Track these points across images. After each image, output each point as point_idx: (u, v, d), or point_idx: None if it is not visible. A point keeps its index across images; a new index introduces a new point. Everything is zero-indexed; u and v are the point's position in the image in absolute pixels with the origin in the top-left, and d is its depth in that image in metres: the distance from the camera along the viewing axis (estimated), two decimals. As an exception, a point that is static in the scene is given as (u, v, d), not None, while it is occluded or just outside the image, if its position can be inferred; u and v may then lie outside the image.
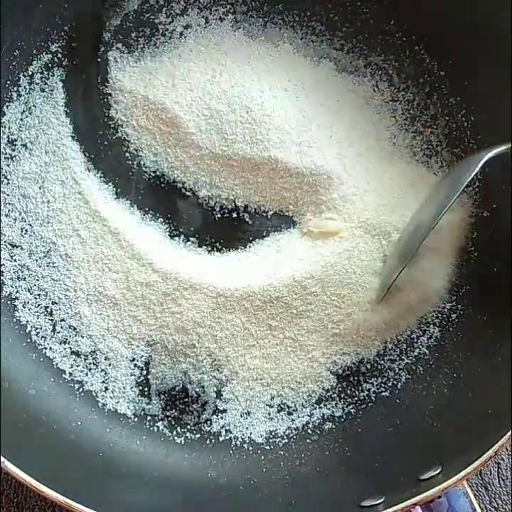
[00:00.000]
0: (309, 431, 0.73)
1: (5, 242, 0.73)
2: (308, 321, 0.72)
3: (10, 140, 0.74)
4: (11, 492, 0.75)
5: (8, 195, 0.74)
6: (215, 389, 0.72)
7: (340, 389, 0.73)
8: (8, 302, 0.73)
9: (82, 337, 0.73)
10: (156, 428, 0.72)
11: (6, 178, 0.74)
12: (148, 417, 0.72)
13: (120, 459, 0.70)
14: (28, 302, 0.73)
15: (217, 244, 0.75)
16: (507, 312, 0.71)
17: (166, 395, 0.72)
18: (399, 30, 0.78)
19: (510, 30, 0.70)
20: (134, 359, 0.73)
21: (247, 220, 0.75)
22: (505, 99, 0.72)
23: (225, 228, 0.75)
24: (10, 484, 0.75)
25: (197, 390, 0.72)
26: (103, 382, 0.72)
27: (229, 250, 0.74)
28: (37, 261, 0.73)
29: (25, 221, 0.74)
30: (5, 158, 0.74)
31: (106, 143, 0.75)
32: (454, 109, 0.77)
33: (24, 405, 0.69)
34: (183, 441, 0.72)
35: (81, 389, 0.72)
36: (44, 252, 0.74)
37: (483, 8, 0.72)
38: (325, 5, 0.78)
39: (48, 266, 0.73)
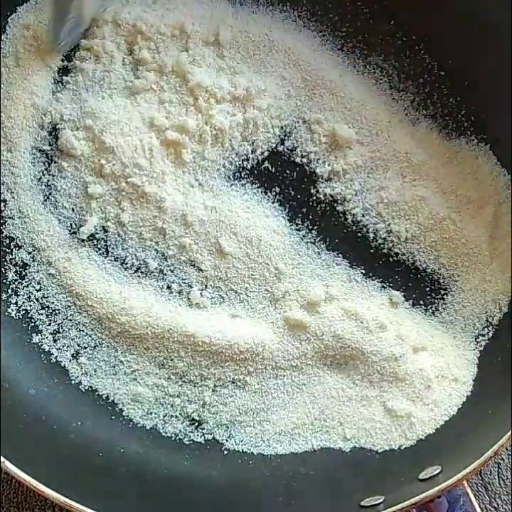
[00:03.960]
0: (309, 431, 0.73)
1: (5, 235, 0.74)
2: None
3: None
4: (11, 492, 0.74)
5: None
6: (214, 387, 0.72)
7: (341, 389, 0.74)
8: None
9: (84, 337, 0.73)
10: (156, 428, 0.72)
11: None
12: (149, 417, 0.72)
13: (120, 459, 0.70)
14: (29, 304, 0.73)
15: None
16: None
17: (166, 395, 0.72)
18: (399, 30, 0.77)
19: (510, 30, 0.70)
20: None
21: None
22: (505, 99, 0.72)
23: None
24: (10, 484, 0.74)
25: (196, 390, 0.72)
26: (103, 382, 0.73)
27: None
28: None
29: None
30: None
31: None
32: (454, 109, 0.77)
33: (24, 405, 0.69)
34: (183, 442, 0.72)
35: (81, 389, 0.72)
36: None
37: (483, 8, 0.72)
38: (325, 5, 0.78)
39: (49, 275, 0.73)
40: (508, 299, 0.73)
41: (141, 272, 0.74)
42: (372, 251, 0.75)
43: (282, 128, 0.76)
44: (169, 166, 0.74)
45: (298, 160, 0.76)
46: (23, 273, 0.73)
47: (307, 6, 0.78)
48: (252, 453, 0.71)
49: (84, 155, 0.74)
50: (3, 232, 0.74)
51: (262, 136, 0.75)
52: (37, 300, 0.73)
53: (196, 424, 0.72)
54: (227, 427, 0.71)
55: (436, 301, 0.74)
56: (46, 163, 0.75)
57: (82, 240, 0.74)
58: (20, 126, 0.74)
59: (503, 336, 0.71)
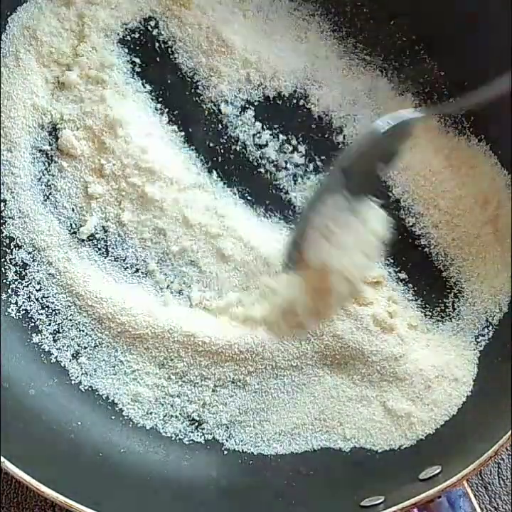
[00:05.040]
0: (309, 431, 0.73)
1: (5, 235, 0.74)
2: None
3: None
4: (11, 492, 0.74)
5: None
6: (214, 387, 0.72)
7: (341, 389, 0.74)
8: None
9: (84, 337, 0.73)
10: (156, 428, 0.72)
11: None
12: (149, 417, 0.72)
13: (120, 459, 0.70)
14: (29, 304, 0.73)
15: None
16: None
17: (166, 395, 0.72)
18: (399, 30, 0.78)
19: (510, 30, 0.70)
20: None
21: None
22: (505, 99, 0.72)
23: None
24: (10, 484, 0.74)
25: (196, 389, 0.72)
26: (103, 382, 0.73)
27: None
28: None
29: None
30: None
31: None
32: (454, 109, 0.77)
33: (24, 405, 0.69)
34: (183, 442, 0.72)
35: (81, 389, 0.72)
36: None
37: (483, 9, 0.72)
38: (325, 5, 0.78)
39: (49, 275, 0.73)
40: (508, 299, 0.73)
41: (141, 272, 0.74)
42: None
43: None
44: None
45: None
46: (23, 273, 0.73)
47: (308, 6, 0.78)
48: (252, 453, 0.71)
49: (84, 155, 0.74)
50: (3, 232, 0.74)
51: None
52: (37, 300, 0.73)
53: (196, 424, 0.72)
54: (227, 427, 0.71)
55: (436, 301, 0.74)
56: (46, 163, 0.75)
57: (82, 240, 0.74)
58: (20, 126, 0.74)
59: (503, 336, 0.71)
